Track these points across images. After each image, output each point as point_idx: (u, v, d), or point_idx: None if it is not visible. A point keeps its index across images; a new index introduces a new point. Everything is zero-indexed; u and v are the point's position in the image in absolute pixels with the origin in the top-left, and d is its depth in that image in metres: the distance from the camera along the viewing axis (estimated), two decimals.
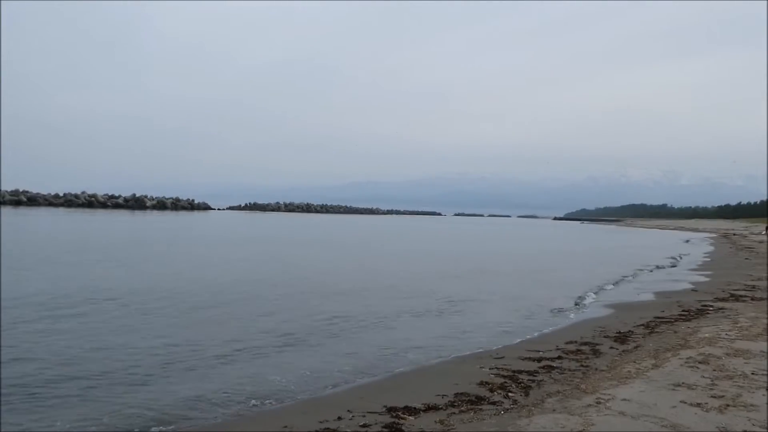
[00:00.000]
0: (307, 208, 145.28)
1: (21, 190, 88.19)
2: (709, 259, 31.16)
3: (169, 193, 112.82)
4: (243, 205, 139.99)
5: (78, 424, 5.94)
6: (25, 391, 6.77)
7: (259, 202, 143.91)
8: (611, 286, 18.86)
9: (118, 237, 34.03)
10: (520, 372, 7.80)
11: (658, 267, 26.34)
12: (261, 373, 7.87)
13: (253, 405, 6.71)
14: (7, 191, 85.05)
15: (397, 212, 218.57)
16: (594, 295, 16.45)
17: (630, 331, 10.81)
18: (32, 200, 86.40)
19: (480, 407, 6.32)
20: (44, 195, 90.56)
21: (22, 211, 65.64)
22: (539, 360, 8.52)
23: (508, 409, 6.20)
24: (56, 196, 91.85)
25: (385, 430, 5.70)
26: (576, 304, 14.75)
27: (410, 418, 6.06)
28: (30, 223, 45.10)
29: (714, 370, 7.37)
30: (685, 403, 6.10)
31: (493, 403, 6.46)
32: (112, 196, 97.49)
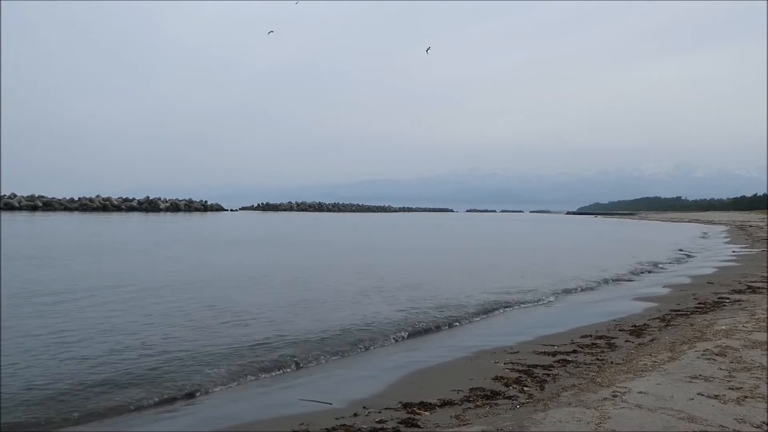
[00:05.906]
0: (319, 207, 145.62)
1: (36, 195, 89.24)
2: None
3: (181, 195, 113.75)
4: (255, 205, 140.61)
5: None
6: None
7: (272, 202, 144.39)
8: None
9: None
10: (535, 366, 7.79)
11: None
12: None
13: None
14: (23, 197, 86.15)
15: (409, 209, 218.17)
16: None
17: (646, 324, 10.75)
18: (48, 205, 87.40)
19: (495, 402, 6.32)
20: (59, 200, 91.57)
21: (39, 216, 66.29)
22: (554, 354, 8.50)
23: (523, 404, 6.20)
24: (71, 200, 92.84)
25: (401, 425, 5.72)
26: None
27: (426, 413, 6.08)
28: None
29: (731, 362, 7.32)
30: (703, 395, 6.06)
31: (509, 398, 6.46)
32: (126, 199, 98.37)
